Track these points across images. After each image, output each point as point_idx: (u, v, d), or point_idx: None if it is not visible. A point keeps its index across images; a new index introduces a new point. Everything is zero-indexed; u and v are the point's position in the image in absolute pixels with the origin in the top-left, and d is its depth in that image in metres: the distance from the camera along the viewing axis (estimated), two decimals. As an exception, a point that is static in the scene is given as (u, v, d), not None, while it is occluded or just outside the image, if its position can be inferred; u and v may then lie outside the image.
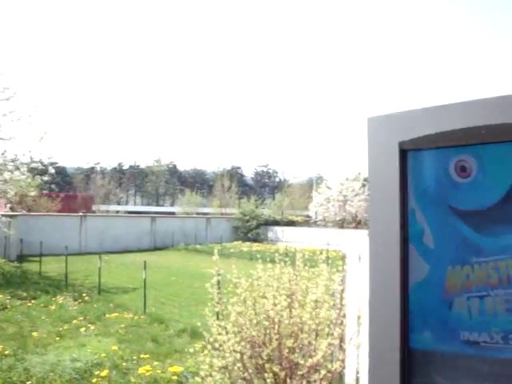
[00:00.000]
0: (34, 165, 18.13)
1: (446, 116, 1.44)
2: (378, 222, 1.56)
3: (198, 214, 49.42)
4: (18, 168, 16.56)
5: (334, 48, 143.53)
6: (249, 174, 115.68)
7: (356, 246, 5.26)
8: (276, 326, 4.56)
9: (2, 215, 18.31)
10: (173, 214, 52.32)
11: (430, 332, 1.47)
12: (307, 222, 40.41)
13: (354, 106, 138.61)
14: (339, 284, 4.87)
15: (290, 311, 4.59)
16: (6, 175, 16.01)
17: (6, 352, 7.41)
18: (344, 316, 4.76)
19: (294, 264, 4.93)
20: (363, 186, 39.89)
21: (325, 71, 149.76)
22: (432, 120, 1.47)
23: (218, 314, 4.95)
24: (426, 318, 1.48)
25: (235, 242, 32.07)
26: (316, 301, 4.61)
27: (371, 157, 1.62)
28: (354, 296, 4.93)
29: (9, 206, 19.32)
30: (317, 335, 4.60)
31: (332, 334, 4.55)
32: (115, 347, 7.65)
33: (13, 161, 16.41)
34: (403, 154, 1.54)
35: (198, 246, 29.76)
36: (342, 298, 4.85)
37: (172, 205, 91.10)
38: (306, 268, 4.91)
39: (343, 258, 5.38)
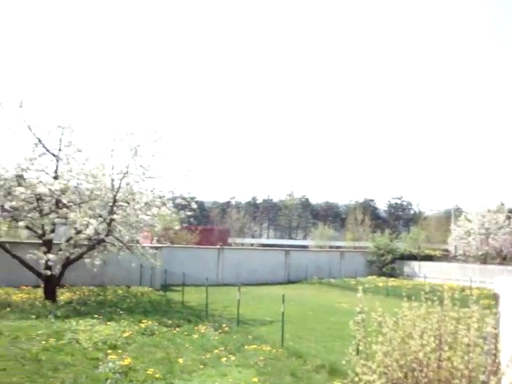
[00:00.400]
0: (178, 200, 19.43)
1: None
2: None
3: (330, 247, 49.09)
4: (164, 204, 17.84)
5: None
6: (382, 206, 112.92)
7: (510, 284, 4.87)
8: (424, 369, 4.35)
9: (150, 247, 19.73)
10: (305, 247, 52.53)
11: None
12: (446, 257, 38.21)
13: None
14: (493, 327, 4.52)
15: (439, 354, 4.36)
16: (154, 210, 17.28)
17: (157, 375, 7.92)
18: (499, 363, 4.40)
19: (439, 302, 4.69)
20: (508, 218, 36.94)
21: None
22: None
23: (359, 351, 4.85)
24: None
25: (369, 277, 31.22)
26: (468, 344, 4.31)
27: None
28: (511, 341, 4.54)
29: (156, 238, 20.79)
30: (469, 382, 4.29)
31: (487, 383, 4.20)
32: (255, 379, 7.81)
33: (160, 197, 17.71)
34: None
35: (331, 280, 29.46)
36: (496, 343, 4.50)
37: (305, 238, 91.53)
38: (455, 308, 4.64)
39: (495, 297, 5.01)
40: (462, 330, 4.48)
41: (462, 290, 22.51)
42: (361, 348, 4.82)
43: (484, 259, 36.36)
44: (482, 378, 4.36)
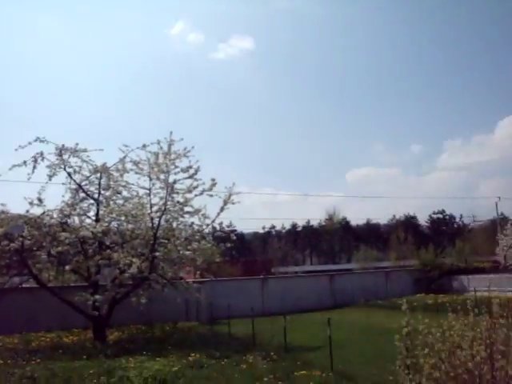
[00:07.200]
0: (217, 234, 19.58)
1: None
2: None
3: (375, 268, 48.30)
4: (204, 237, 18.02)
5: None
6: (424, 222, 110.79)
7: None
8: (477, 380, 4.22)
9: (193, 282, 19.83)
10: (350, 270, 51.82)
11: None
12: (496, 268, 37.07)
13: None
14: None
15: (492, 364, 4.22)
16: (194, 245, 17.46)
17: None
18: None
19: (489, 312, 4.58)
20: (559, 222, 35.75)
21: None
22: None
23: (408, 367, 4.73)
24: None
25: (418, 295, 30.44)
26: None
27: None
28: None
29: (198, 272, 20.92)
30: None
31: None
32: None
33: (199, 231, 17.90)
34: None
35: (379, 302, 28.87)
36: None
37: (348, 261, 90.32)
38: (503, 313, 4.51)
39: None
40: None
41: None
42: (408, 363, 4.71)
43: (539, 267, 35.19)
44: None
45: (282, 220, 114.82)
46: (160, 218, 17.29)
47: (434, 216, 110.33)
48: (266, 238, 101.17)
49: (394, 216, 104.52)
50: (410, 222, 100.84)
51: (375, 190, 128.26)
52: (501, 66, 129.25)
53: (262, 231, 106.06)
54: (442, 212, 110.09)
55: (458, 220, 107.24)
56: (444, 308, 21.07)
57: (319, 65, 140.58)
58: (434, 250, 40.91)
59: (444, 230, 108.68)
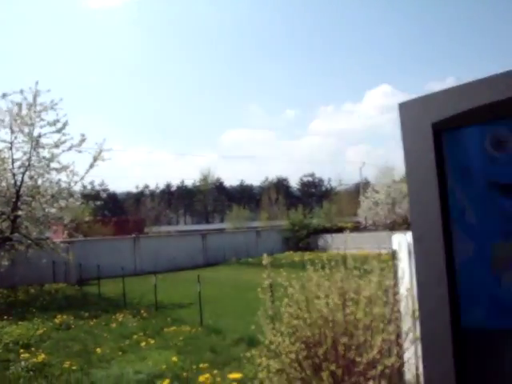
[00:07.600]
0: (86, 191, 18.80)
1: (477, 91, 1.45)
2: (418, 206, 1.58)
3: (247, 228, 49.71)
4: (72, 195, 17.21)
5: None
6: (295, 184, 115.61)
7: (405, 240, 5.24)
8: (330, 325, 4.59)
9: (61, 242, 19.00)
10: (222, 230, 52.82)
11: (482, 310, 1.47)
12: (357, 228, 39.99)
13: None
14: (391, 280, 4.85)
15: (344, 309, 4.62)
16: (62, 203, 16.65)
17: (74, 367, 7.72)
18: (398, 311, 4.73)
19: (345, 265, 4.98)
20: (411, 187, 39.09)
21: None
22: (463, 97, 1.48)
23: (272, 317, 5.01)
24: (477, 296, 1.47)
25: (286, 253, 32.04)
26: (369, 298, 4.62)
27: (406, 143, 1.64)
28: (407, 291, 4.89)
29: (66, 232, 20.06)
30: (372, 332, 4.59)
31: (387, 330, 4.52)
32: (175, 358, 7.84)
33: (67, 189, 17.05)
34: (437, 134, 1.56)
35: (249, 259, 29.90)
36: (394, 294, 4.83)
37: (221, 221, 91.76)
38: (357, 266, 4.94)
39: (393, 253, 5.37)
40: (364, 285, 4.78)
41: (372, 257, 23.54)
42: (270, 313, 4.98)
43: (392, 227, 38.42)
44: (382, 326, 4.66)
45: (156, 179, 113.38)
46: (23, 174, 16.19)
47: (305, 179, 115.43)
48: (140, 197, 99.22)
49: (267, 178, 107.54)
50: (281, 184, 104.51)
51: (250, 151, 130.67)
52: (372, 38, 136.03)
53: (135, 191, 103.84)
54: (312, 175, 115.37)
55: (326, 183, 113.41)
56: (308, 264, 22.36)
57: (201, 21, 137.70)
58: (302, 210, 43.05)
59: (313, 192, 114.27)
